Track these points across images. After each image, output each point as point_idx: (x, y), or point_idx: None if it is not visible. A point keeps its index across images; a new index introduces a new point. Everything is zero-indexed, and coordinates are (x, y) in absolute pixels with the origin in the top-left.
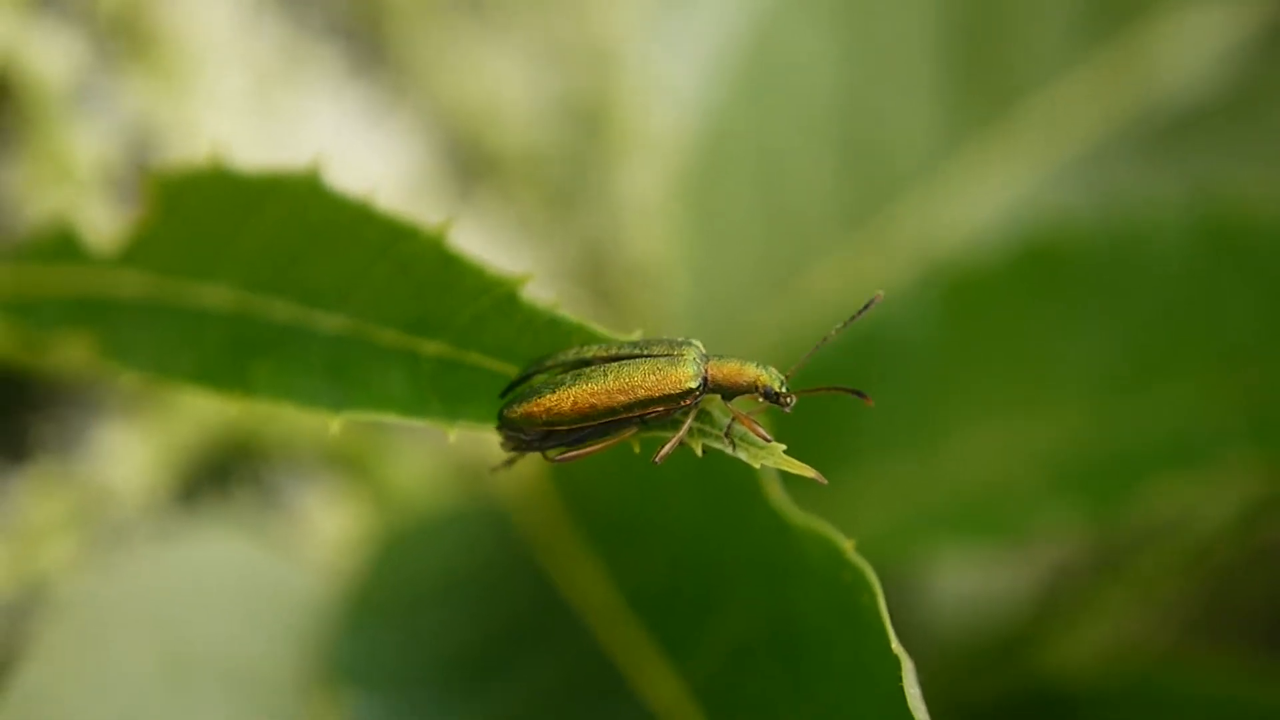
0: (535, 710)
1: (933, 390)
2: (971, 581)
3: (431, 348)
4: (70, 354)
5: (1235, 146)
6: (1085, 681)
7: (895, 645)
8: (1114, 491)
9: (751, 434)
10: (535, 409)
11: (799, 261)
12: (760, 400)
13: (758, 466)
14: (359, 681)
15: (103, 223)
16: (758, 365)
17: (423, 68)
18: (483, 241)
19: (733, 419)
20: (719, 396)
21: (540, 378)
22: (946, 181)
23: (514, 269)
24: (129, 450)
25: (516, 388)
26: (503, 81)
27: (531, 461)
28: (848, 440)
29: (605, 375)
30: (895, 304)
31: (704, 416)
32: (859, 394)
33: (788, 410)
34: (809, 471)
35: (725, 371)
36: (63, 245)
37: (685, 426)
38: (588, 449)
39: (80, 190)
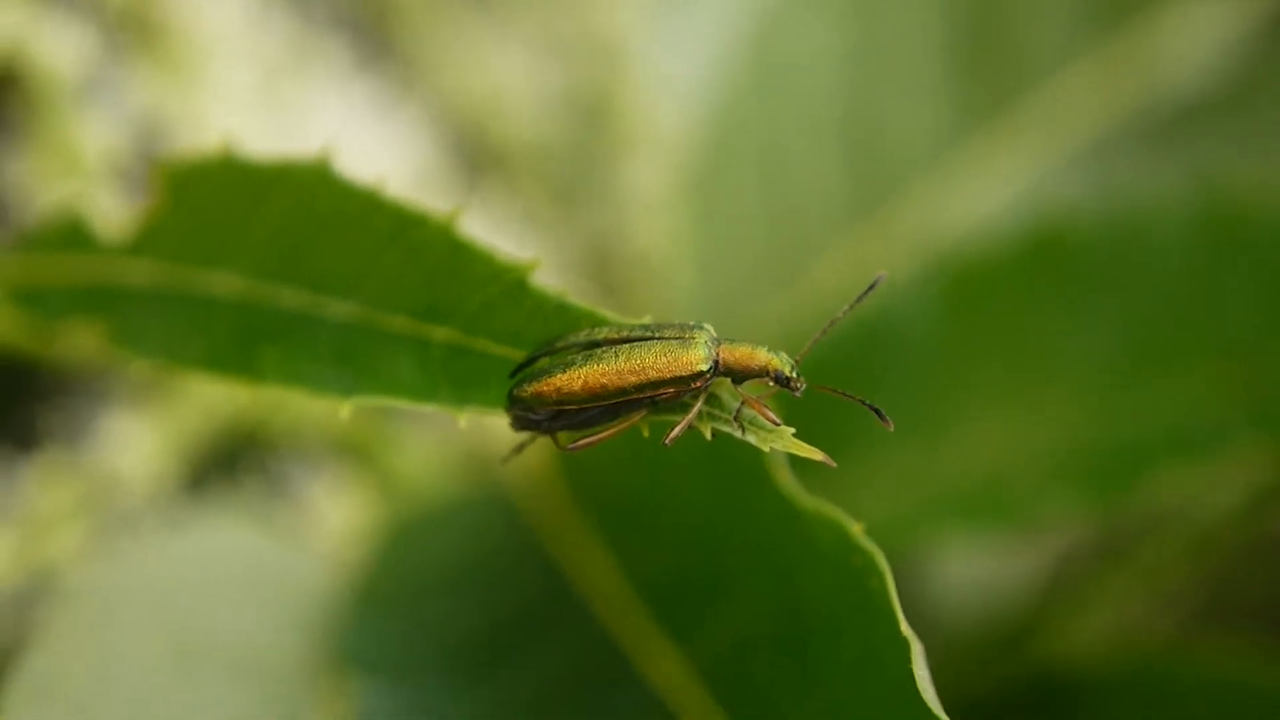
0: (543, 698)
1: (937, 381)
2: (976, 570)
3: (441, 334)
4: (78, 343)
5: (1237, 139)
6: (1090, 668)
7: (905, 628)
8: (1117, 482)
9: (761, 417)
10: (546, 388)
11: (803, 255)
12: (770, 385)
13: (767, 450)
14: (366, 669)
15: (111, 214)
16: (769, 350)
17: (429, 62)
18: (489, 234)
19: (741, 402)
20: (729, 380)
21: (550, 359)
22: (949, 175)
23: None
24: (137, 439)
25: (527, 368)
26: (508, 75)
27: (539, 449)
28: (853, 430)
29: (616, 356)
30: (899, 296)
31: (713, 400)
32: (879, 413)
33: (798, 395)
34: (817, 454)
35: (736, 355)
36: (72, 234)
37: (695, 410)
38: (599, 435)
39: (88, 181)
